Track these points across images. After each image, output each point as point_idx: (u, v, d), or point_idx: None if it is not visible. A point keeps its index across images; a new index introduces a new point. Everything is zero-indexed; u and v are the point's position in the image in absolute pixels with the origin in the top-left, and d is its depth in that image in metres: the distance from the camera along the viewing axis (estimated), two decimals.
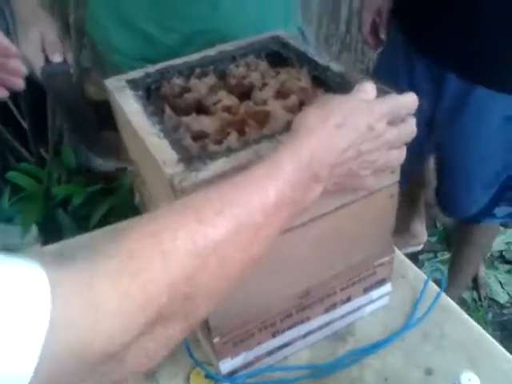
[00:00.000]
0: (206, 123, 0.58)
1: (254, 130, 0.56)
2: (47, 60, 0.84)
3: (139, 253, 0.34)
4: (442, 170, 1.31)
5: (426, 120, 1.16)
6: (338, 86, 0.63)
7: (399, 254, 0.87)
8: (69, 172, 1.79)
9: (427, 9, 1.05)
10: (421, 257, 1.89)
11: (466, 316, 0.78)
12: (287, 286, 0.66)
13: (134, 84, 0.66)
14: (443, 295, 0.80)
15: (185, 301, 0.36)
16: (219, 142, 0.55)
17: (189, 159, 0.51)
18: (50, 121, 1.78)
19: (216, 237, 0.37)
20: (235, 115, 0.60)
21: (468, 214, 1.27)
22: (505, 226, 1.85)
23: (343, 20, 1.93)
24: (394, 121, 0.50)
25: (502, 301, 1.77)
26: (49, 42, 0.84)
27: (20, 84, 0.70)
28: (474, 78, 1.03)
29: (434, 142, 1.24)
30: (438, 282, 0.83)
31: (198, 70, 0.68)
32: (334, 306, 0.74)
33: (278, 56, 0.72)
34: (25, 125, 1.82)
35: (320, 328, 0.75)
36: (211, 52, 0.71)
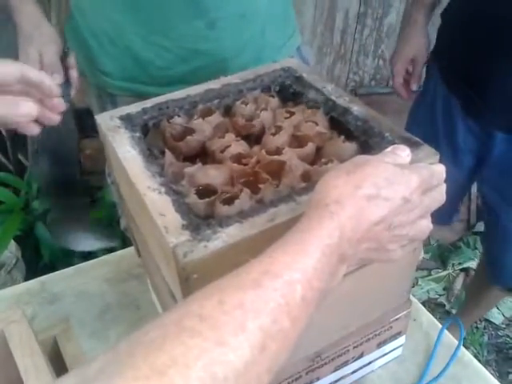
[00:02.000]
0: (213, 175, 0.51)
1: (268, 185, 0.49)
2: None
3: None
4: (494, 235, 1.21)
5: (467, 176, 1.09)
6: (359, 131, 0.56)
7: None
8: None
9: (478, 63, 0.94)
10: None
11: (487, 373, 0.73)
12: (297, 349, 0.59)
13: (129, 122, 0.58)
14: (462, 349, 0.74)
15: None
16: (229, 201, 0.48)
17: (196, 226, 0.44)
18: None
19: (239, 362, 0.30)
20: (245, 165, 0.53)
21: None
22: None
23: (338, 30, 1.87)
24: (425, 190, 0.44)
25: (497, 322, 1.73)
26: (46, 62, 0.75)
27: (56, 120, 0.61)
28: None
29: (483, 201, 1.17)
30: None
31: (200, 107, 0.61)
32: (345, 364, 0.68)
33: (289, 90, 0.65)
34: (3, 130, 1.73)
35: None
36: (215, 85, 0.64)
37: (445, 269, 1.90)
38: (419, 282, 1.83)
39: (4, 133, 1.75)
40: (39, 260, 1.63)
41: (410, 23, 1.10)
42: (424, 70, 1.14)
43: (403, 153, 0.45)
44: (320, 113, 0.59)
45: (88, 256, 1.57)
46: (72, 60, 0.78)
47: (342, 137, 0.55)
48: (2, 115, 0.52)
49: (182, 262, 0.42)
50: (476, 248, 1.92)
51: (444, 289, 1.84)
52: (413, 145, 0.51)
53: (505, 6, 0.87)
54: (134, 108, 0.60)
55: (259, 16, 0.86)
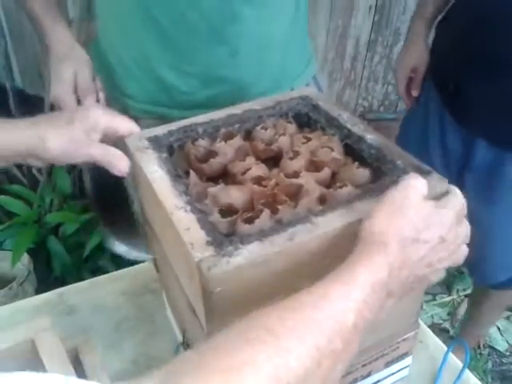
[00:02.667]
0: (235, 196, 0.54)
1: (286, 206, 0.53)
2: (78, 102, 0.78)
3: None
4: (475, 236, 1.26)
5: (458, 181, 1.12)
6: (372, 158, 0.59)
7: None
8: (62, 196, 1.74)
9: (463, 74, 1.02)
10: None
11: None
12: None
13: (156, 143, 0.62)
14: (467, 372, 0.76)
15: None
16: (250, 221, 0.51)
17: (219, 242, 0.47)
18: None
19: (300, 370, 0.34)
20: (265, 187, 0.56)
21: (498, 280, 1.24)
22: None
23: (349, 56, 1.92)
24: (462, 218, 0.49)
25: (501, 349, 1.74)
26: (81, 83, 0.79)
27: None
28: (506, 147, 1.01)
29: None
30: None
31: (223, 130, 0.65)
32: (353, 382, 0.70)
33: (306, 117, 0.69)
34: None
35: None
36: (236, 110, 0.68)
37: (449, 294, 1.91)
38: (424, 307, 1.84)
39: None
40: (50, 273, 1.65)
41: (411, 34, 1.19)
42: None
43: (421, 185, 0.48)
44: (335, 139, 0.62)
45: (97, 270, 1.60)
46: (99, 83, 0.81)
47: (356, 163, 0.58)
48: (101, 161, 0.57)
49: (206, 275, 0.45)
50: None
51: (448, 314, 1.85)
52: (423, 173, 0.54)
53: (494, 23, 0.95)
54: (160, 130, 0.64)
55: (279, 46, 0.90)
